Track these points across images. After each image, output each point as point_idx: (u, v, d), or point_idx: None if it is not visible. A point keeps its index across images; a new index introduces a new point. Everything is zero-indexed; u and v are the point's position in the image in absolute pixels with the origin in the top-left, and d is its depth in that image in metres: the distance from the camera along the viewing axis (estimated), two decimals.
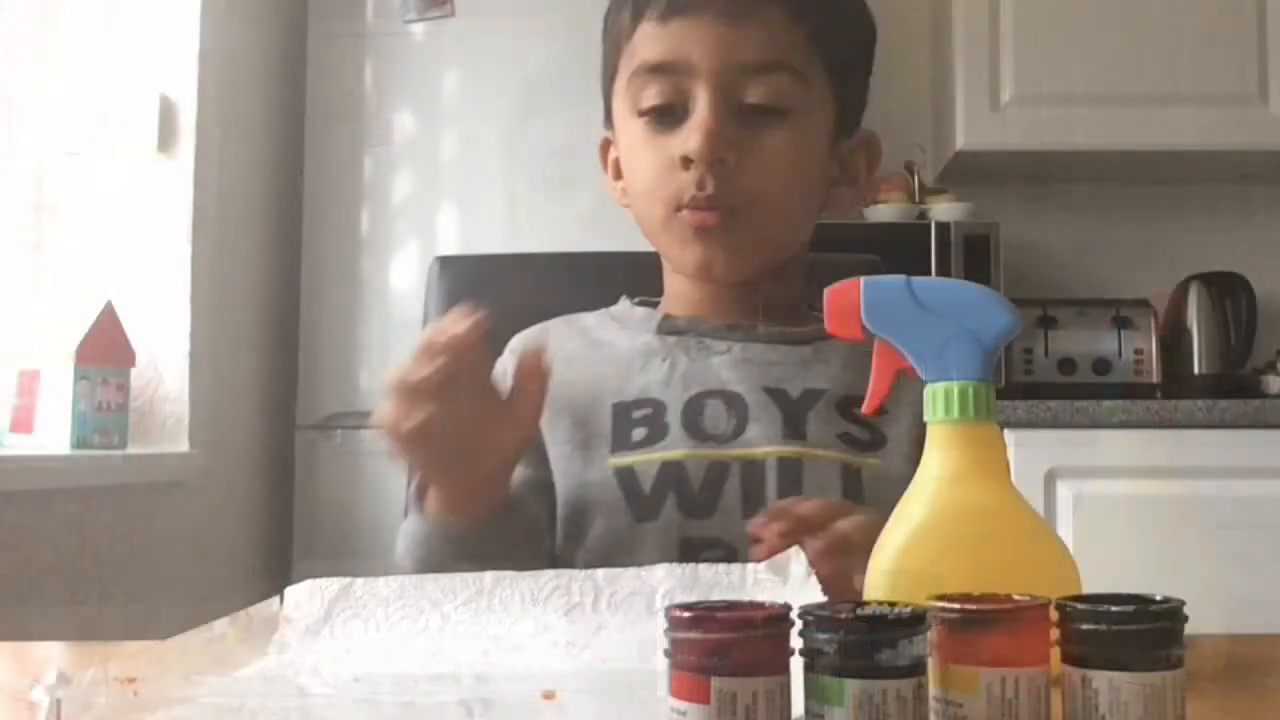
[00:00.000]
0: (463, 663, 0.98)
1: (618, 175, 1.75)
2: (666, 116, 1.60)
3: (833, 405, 1.63)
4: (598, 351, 1.71)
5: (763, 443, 1.59)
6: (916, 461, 1.56)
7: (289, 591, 1.08)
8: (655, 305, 1.78)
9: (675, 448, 1.59)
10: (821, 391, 1.64)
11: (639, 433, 1.61)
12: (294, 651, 1.03)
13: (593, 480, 1.60)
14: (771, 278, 1.69)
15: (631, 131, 1.65)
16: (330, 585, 1.08)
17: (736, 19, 1.57)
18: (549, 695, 0.80)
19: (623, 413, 1.64)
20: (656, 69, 1.60)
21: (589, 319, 1.78)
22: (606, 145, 1.78)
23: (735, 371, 1.64)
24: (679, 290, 1.75)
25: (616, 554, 1.53)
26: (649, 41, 1.61)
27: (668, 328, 1.70)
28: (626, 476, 1.58)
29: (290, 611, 1.07)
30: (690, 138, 1.55)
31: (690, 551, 1.52)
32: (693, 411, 1.61)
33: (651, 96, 1.60)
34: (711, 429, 1.60)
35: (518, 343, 1.74)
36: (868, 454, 1.61)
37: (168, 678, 0.82)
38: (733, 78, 1.57)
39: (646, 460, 1.58)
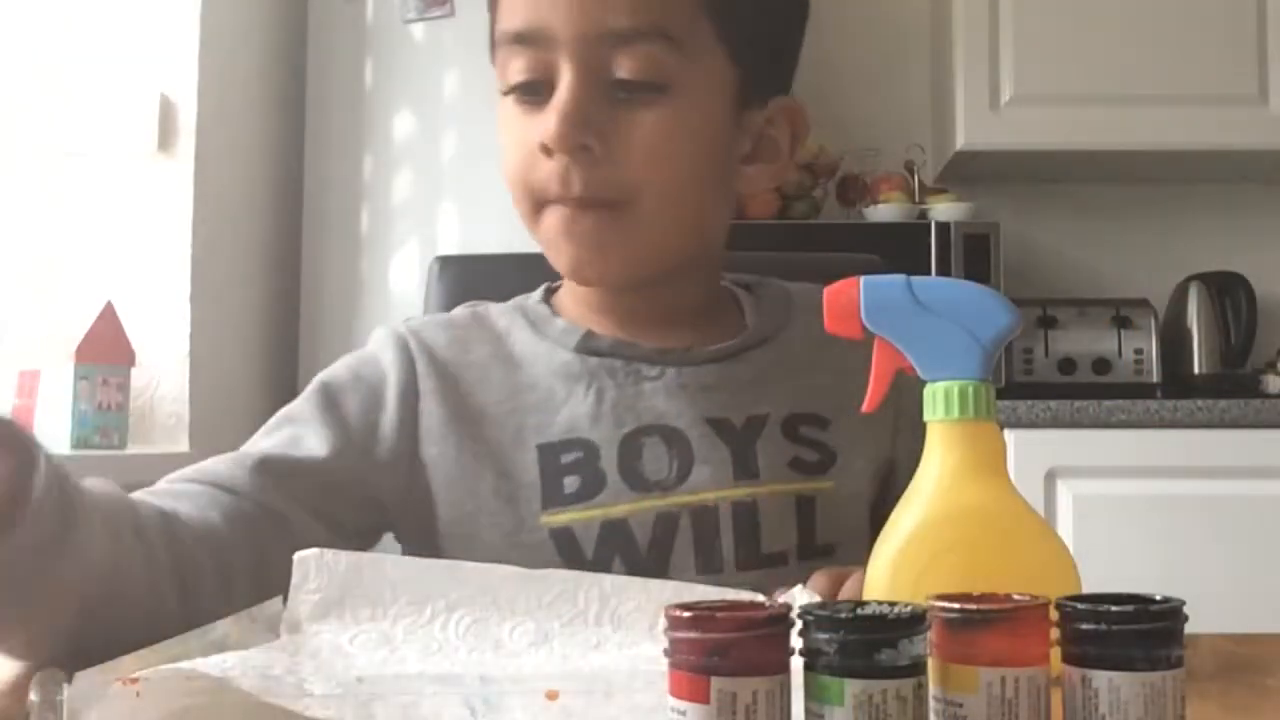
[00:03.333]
0: (464, 663, 0.98)
1: None
2: (533, 94, 1.42)
3: (778, 428, 1.49)
4: (515, 373, 1.52)
5: (712, 486, 1.43)
6: (871, 477, 1.52)
7: (298, 557, 1.07)
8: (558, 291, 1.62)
9: (616, 502, 1.42)
10: (765, 416, 1.49)
11: (571, 482, 1.44)
12: (303, 634, 1.03)
13: (526, 543, 1.42)
14: (680, 280, 1.53)
15: (502, 110, 1.48)
16: (340, 559, 1.07)
17: None
18: (551, 695, 0.81)
19: (550, 457, 1.46)
20: (519, 39, 1.42)
21: (499, 319, 1.59)
22: None
23: (672, 402, 1.48)
24: (575, 290, 1.58)
25: None
26: (512, 6, 1.44)
27: (588, 347, 1.51)
28: (565, 540, 1.42)
29: (299, 581, 1.06)
30: (547, 122, 1.37)
31: None
32: (629, 455, 1.45)
33: (516, 71, 1.43)
34: (653, 475, 1.44)
35: (410, 334, 1.55)
36: (819, 477, 1.48)
37: (171, 678, 0.82)
38: (598, 48, 1.38)
39: (585, 518, 1.42)
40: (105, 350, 3.15)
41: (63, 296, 3.43)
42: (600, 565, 1.39)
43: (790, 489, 1.46)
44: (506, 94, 1.46)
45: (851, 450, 1.51)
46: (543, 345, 1.53)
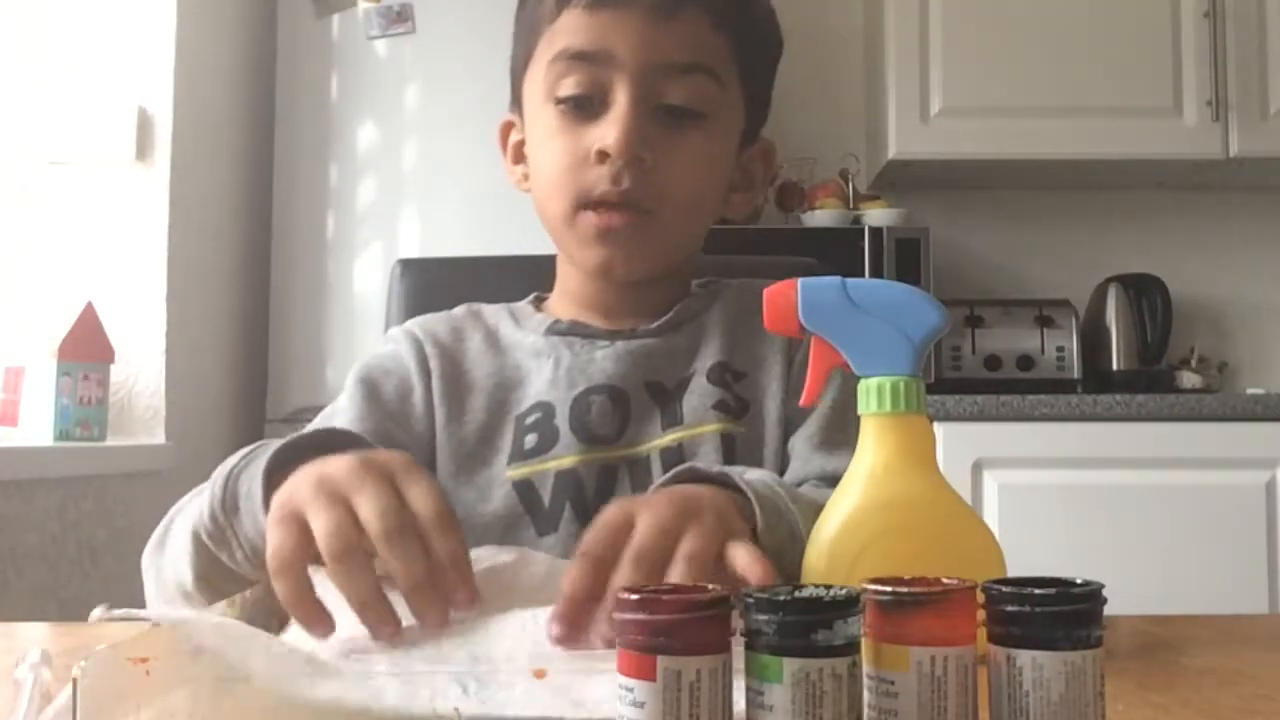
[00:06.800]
0: (453, 644, 0.98)
1: (517, 160, 1.70)
2: (583, 108, 1.52)
3: (704, 377, 1.59)
4: (503, 358, 1.65)
5: (645, 439, 1.55)
6: (778, 423, 1.60)
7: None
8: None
9: (567, 454, 1.54)
10: (693, 372, 1.60)
11: (530, 439, 1.56)
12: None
13: (495, 495, 1.54)
14: (663, 280, 1.64)
15: (545, 118, 1.56)
16: None
17: (663, 17, 1.49)
18: (539, 673, 0.80)
19: (519, 423, 1.58)
20: (578, 57, 1.51)
21: (490, 316, 1.72)
22: (508, 128, 1.72)
23: (618, 365, 1.59)
24: (569, 286, 1.69)
25: None
26: (574, 29, 1.52)
27: (553, 330, 1.64)
28: (525, 489, 1.53)
29: None
30: (609, 132, 1.48)
31: None
32: (580, 411, 1.56)
33: (570, 85, 1.52)
34: (599, 429, 1.55)
35: (415, 326, 1.70)
36: (738, 421, 1.57)
37: (179, 656, 0.81)
38: (655, 76, 1.50)
39: (542, 469, 1.54)
40: (86, 348, 3.13)
41: (46, 297, 3.41)
42: (554, 511, 1.52)
43: (713, 429, 1.55)
44: (558, 104, 1.54)
45: (763, 400, 1.60)
46: (520, 334, 1.67)
